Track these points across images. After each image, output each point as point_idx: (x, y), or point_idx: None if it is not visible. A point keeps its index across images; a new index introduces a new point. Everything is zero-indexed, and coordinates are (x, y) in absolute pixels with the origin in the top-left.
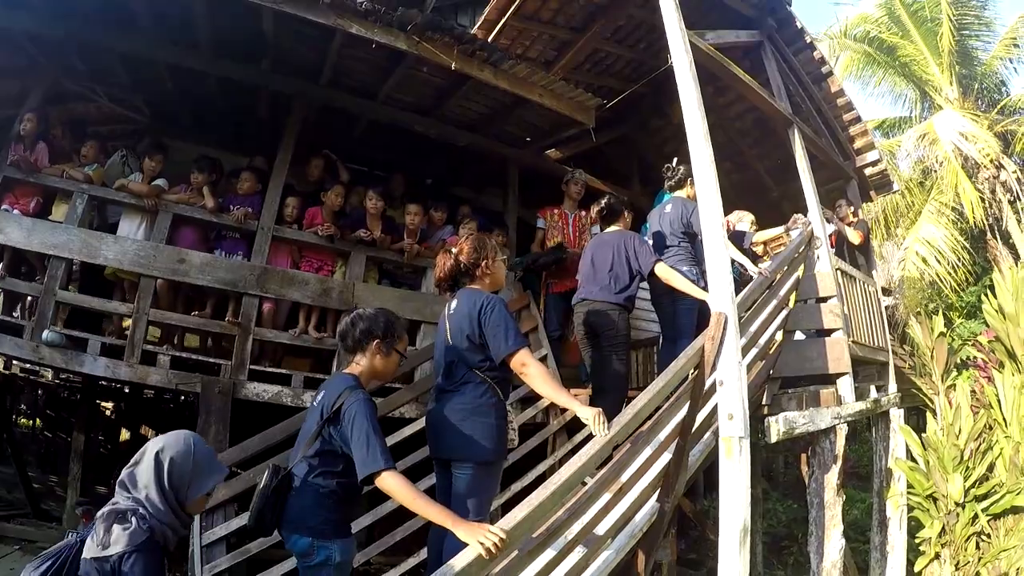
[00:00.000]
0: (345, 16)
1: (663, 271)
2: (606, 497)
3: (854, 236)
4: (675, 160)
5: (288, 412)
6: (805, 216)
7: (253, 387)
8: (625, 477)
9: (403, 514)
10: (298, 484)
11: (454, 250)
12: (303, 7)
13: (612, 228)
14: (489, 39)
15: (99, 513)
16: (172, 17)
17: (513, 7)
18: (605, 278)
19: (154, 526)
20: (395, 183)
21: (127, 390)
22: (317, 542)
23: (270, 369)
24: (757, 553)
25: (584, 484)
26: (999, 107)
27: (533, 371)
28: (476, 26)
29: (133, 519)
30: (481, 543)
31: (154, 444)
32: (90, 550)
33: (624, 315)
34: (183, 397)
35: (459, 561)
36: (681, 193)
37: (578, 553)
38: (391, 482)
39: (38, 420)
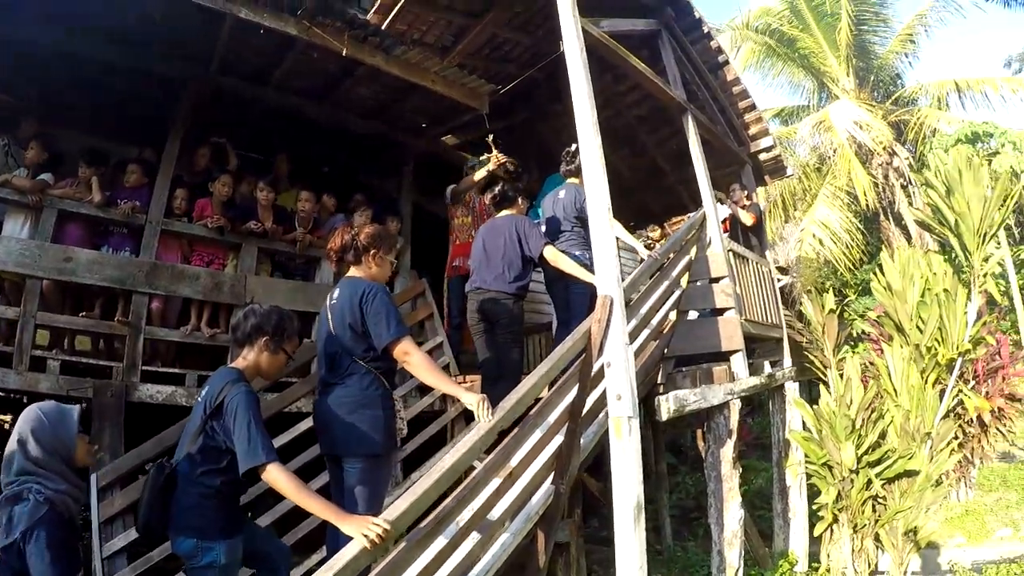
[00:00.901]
0: (234, 0)
1: (551, 254)
2: (496, 482)
3: (747, 218)
4: (574, 146)
5: (184, 413)
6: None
7: (146, 389)
8: (515, 461)
9: (303, 512)
10: (183, 483)
11: (356, 227)
12: None
13: (504, 213)
14: (385, 24)
15: None
16: (58, 3)
17: None
18: (499, 266)
19: (52, 497)
20: (279, 164)
21: (25, 400)
22: (202, 543)
23: (163, 369)
24: (666, 526)
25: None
26: (894, 98)
27: (415, 359)
28: (373, 10)
29: (30, 496)
30: (365, 535)
31: (11, 439)
32: (0, 542)
33: (519, 304)
34: (83, 405)
35: (344, 555)
36: (576, 179)
37: (473, 539)
38: (275, 476)
39: None
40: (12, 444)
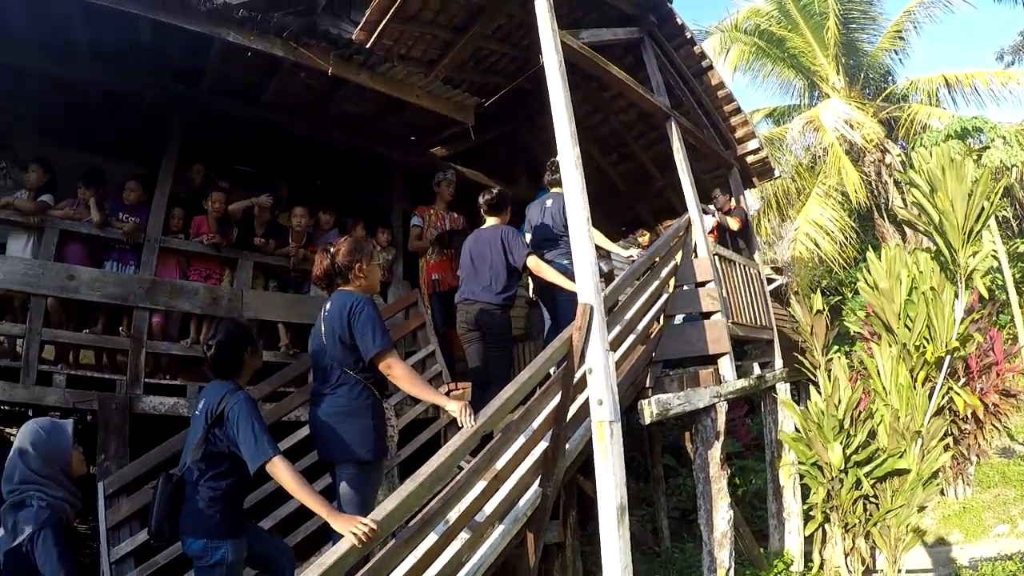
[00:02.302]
0: (222, 24)
1: (534, 264)
2: (481, 485)
3: (733, 223)
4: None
5: (186, 423)
6: None
7: (149, 400)
8: (500, 464)
9: (304, 515)
10: (190, 490)
11: (332, 249)
12: (180, 17)
13: (490, 222)
14: (371, 40)
15: None
16: (51, 29)
17: (394, 8)
18: (486, 277)
19: (52, 503)
20: (281, 190)
21: (30, 413)
22: (211, 543)
23: (165, 382)
24: (664, 527)
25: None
26: (884, 95)
27: (398, 372)
28: (359, 27)
29: (33, 502)
30: (353, 533)
31: (12, 452)
32: (4, 545)
33: (507, 313)
34: (89, 417)
35: (334, 552)
36: (561, 189)
37: (462, 539)
38: (280, 468)
39: None
40: (13, 456)
